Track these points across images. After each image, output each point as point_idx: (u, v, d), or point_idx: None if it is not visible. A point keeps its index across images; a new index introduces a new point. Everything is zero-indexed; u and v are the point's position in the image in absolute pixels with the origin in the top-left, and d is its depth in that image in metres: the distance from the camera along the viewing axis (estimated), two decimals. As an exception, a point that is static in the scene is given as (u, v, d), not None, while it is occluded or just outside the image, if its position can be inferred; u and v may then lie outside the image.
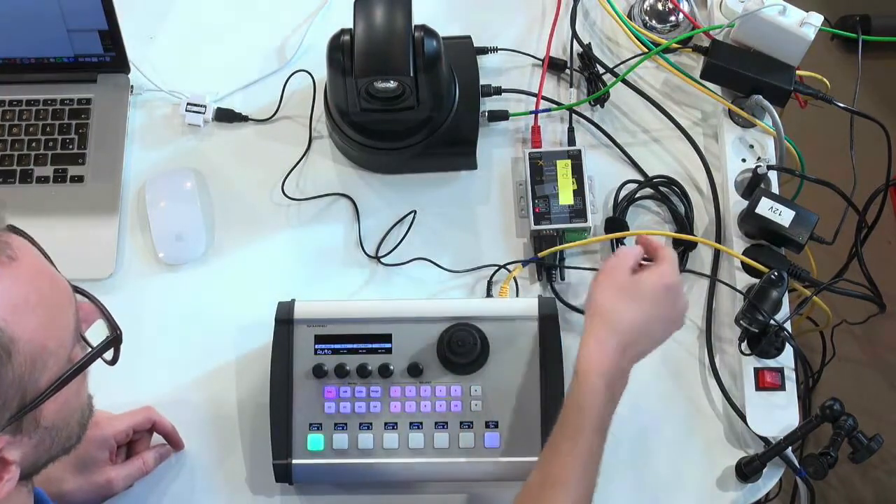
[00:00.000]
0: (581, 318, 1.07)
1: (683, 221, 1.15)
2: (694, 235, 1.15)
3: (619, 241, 1.14)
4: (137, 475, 1.03)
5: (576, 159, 1.16)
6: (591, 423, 0.88)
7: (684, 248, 1.14)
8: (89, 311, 0.78)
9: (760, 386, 1.06)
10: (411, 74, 1.04)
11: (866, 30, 1.83)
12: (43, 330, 0.70)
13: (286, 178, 1.20)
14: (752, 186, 1.12)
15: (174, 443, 1.07)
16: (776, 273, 1.03)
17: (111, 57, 1.20)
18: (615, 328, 0.91)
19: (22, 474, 0.73)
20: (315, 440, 1.02)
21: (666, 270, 0.94)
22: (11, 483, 0.71)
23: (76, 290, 0.77)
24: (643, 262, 0.97)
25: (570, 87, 1.23)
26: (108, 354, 0.79)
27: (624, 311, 0.92)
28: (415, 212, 1.17)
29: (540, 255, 1.13)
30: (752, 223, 1.09)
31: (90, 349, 0.77)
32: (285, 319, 1.05)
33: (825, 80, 1.18)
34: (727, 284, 1.10)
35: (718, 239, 1.15)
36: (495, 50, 1.24)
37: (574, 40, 1.24)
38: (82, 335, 0.77)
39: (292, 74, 1.23)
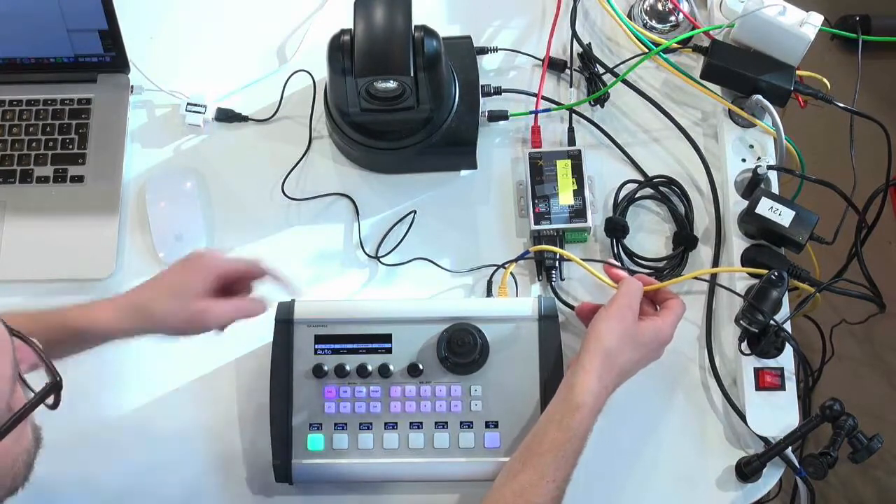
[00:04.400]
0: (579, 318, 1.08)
1: (683, 221, 1.15)
2: (695, 271, 1.15)
3: (619, 243, 1.14)
4: (238, 315, 0.99)
5: (576, 159, 1.16)
6: (575, 451, 0.93)
7: (684, 249, 1.14)
8: (27, 350, 0.73)
9: (760, 386, 1.06)
10: (411, 74, 1.04)
11: (866, 30, 1.83)
12: None
13: (286, 178, 1.20)
14: (752, 186, 1.12)
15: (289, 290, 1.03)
16: (776, 273, 1.03)
17: (111, 57, 1.20)
18: (614, 370, 0.97)
19: None
20: (315, 440, 1.02)
21: (666, 328, 1.01)
22: None
23: (12, 332, 0.72)
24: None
25: (570, 87, 1.23)
26: (50, 399, 0.73)
27: (625, 353, 0.97)
28: (414, 212, 1.17)
29: (532, 249, 1.13)
30: (752, 223, 1.09)
31: (30, 392, 0.72)
32: (285, 319, 1.05)
33: (825, 80, 1.17)
34: (727, 288, 1.10)
35: (718, 239, 1.15)
36: (495, 50, 1.25)
37: (574, 40, 1.24)
38: (22, 377, 0.72)
39: (292, 74, 1.23)
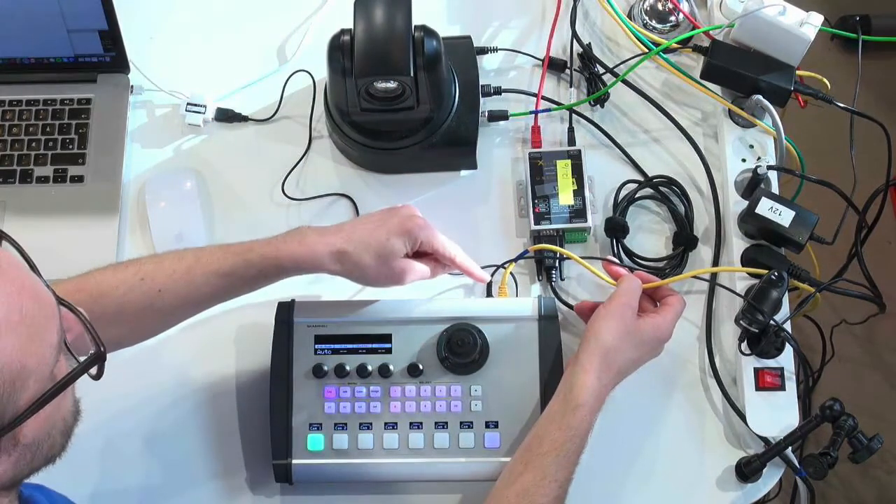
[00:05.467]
0: (579, 318, 1.08)
1: (683, 221, 1.15)
2: (693, 267, 1.15)
3: (619, 243, 1.14)
4: (432, 277, 1.05)
5: (576, 159, 1.16)
6: (576, 450, 0.93)
7: (684, 249, 1.14)
8: (73, 320, 0.75)
9: (760, 386, 1.05)
10: (411, 74, 1.04)
11: (866, 30, 1.83)
12: (23, 349, 0.67)
13: (286, 178, 1.20)
14: (752, 186, 1.12)
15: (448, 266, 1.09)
16: (776, 273, 1.03)
17: (111, 57, 1.20)
18: (613, 368, 0.97)
19: (2, 488, 0.71)
20: (315, 440, 1.02)
21: (665, 325, 1.01)
22: None
23: (60, 301, 0.73)
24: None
25: (570, 87, 1.23)
26: (93, 369, 0.75)
27: (624, 352, 0.97)
28: None
29: (530, 248, 1.13)
30: (752, 223, 1.09)
31: (74, 362, 0.74)
32: (285, 319, 1.05)
33: (825, 80, 1.17)
34: (727, 288, 1.10)
35: (718, 239, 1.15)
36: (495, 50, 1.25)
37: (574, 40, 1.24)
38: (67, 346, 0.74)
39: (292, 74, 1.23)
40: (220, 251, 0.99)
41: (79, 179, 1.19)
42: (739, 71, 1.14)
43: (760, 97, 1.13)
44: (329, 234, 1.00)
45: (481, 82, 1.20)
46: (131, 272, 0.97)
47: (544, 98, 1.21)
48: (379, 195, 1.19)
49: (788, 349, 1.06)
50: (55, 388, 0.70)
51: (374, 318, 1.05)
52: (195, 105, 1.22)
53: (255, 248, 0.99)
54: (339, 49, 1.05)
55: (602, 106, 1.22)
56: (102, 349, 0.75)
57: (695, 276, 1.11)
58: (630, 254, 1.15)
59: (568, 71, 1.23)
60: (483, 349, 1.03)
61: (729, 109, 1.16)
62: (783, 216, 1.07)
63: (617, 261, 1.10)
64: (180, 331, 1.13)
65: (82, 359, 0.74)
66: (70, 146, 1.20)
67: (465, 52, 1.20)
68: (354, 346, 1.04)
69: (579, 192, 1.14)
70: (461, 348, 1.02)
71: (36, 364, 0.69)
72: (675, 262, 1.14)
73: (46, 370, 0.70)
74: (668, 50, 1.20)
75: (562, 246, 1.13)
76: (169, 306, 0.98)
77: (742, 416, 1.06)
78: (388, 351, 1.04)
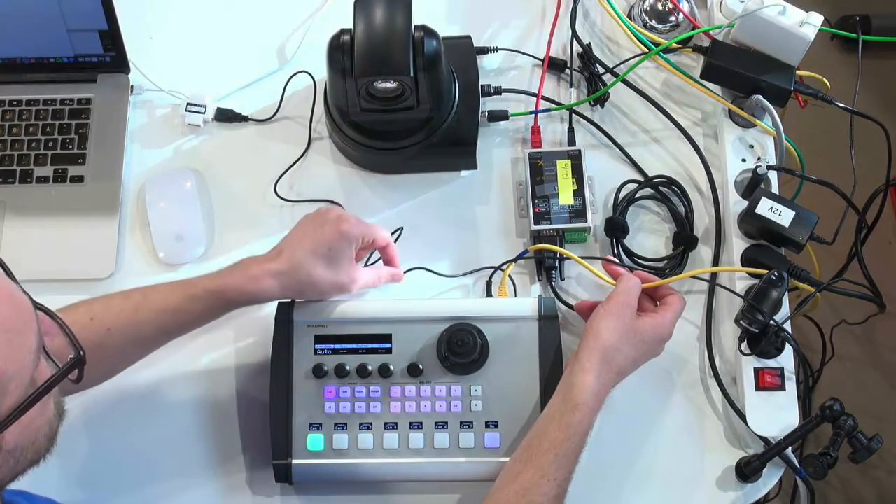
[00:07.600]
0: (579, 318, 1.08)
1: (683, 221, 1.16)
2: (694, 253, 1.15)
3: (619, 243, 1.14)
4: (369, 285, 1.06)
5: (576, 159, 1.16)
6: (576, 450, 0.93)
7: (684, 249, 1.14)
8: (50, 324, 0.75)
9: (760, 386, 1.06)
10: (411, 74, 1.04)
11: (866, 30, 1.83)
12: (2, 355, 0.67)
13: (279, 179, 1.19)
14: (752, 186, 1.12)
15: (394, 269, 1.10)
16: (776, 273, 1.03)
17: (111, 57, 1.20)
18: (613, 368, 0.97)
19: None
20: (315, 440, 1.02)
21: (665, 324, 1.01)
22: None
23: (37, 306, 0.73)
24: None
25: (570, 87, 1.23)
26: (73, 374, 0.75)
27: (623, 351, 0.98)
28: (401, 228, 1.17)
29: (529, 248, 1.13)
30: (752, 223, 1.09)
31: (54, 366, 0.73)
32: (285, 319, 1.05)
33: (825, 80, 1.18)
34: (727, 288, 1.10)
35: (718, 239, 1.15)
36: (495, 50, 1.25)
37: (574, 40, 1.24)
38: (45, 350, 0.73)
39: (293, 76, 1.23)
40: (167, 288, 0.99)
41: (79, 179, 1.19)
42: (739, 71, 1.14)
43: (760, 97, 1.14)
44: (269, 261, 1.00)
45: (481, 82, 1.20)
46: (81, 312, 0.97)
47: (544, 98, 1.21)
48: (379, 195, 1.19)
49: (788, 349, 1.06)
50: (36, 392, 0.70)
51: (374, 318, 1.05)
52: (195, 105, 1.22)
53: (200, 283, 0.99)
54: (339, 49, 1.05)
55: (602, 106, 1.22)
56: (82, 353, 0.74)
57: (695, 276, 1.11)
58: (630, 254, 1.15)
59: (568, 71, 1.23)
60: (483, 349, 1.03)
61: (729, 109, 1.16)
62: (783, 216, 1.07)
63: (616, 260, 1.10)
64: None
65: (61, 364, 0.73)
66: (70, 146, 1.20)
67: (465, 52, 1.20)
68: (354, 346, 1.04)
69: (579, 192, 1.14)
70: (461, 348, 1.02)
71: (16, 369, 0.68)
72: (675, 262, 1.14)
73: (27, 375, 0.69)
74: (668, 50, 1.20)
75: (562, 246, 1.13)
76: (118, 345, 0.98)
77: (742, 416, 1.06)
78: (388, 351, 1.04)
